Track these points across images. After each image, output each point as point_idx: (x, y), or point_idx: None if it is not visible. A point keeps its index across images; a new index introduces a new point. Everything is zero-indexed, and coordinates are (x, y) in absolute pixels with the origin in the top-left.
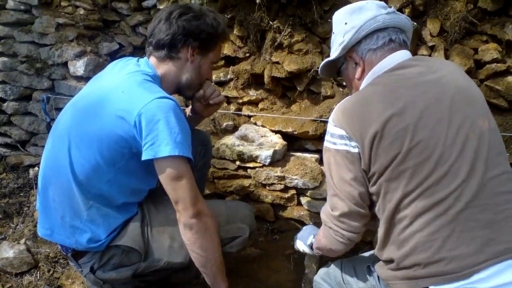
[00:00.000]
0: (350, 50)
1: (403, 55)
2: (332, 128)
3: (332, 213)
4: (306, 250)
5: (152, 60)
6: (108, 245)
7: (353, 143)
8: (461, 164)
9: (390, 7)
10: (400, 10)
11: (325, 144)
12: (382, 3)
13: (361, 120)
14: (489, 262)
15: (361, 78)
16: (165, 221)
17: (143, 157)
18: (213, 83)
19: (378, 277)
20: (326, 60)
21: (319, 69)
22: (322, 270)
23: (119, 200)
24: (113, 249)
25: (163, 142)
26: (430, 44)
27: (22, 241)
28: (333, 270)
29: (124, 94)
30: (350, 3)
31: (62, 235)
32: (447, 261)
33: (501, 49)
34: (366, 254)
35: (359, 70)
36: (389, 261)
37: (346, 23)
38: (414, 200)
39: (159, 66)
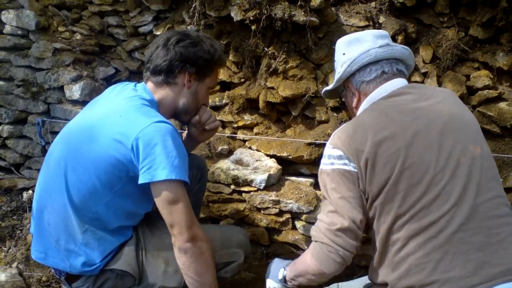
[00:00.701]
0: (346, 81)
1: (398, 83)
2: (329, 151)
3: (330, 227)
4: (279, 286)
5: (149, 85)
6: (102, 269)
7: (352, 164)
8: (453, 187)
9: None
10: (393, 37)
11: (321, 167)
12: (380, 32)
13: (356, 144)
14: (483, 285)
15: (357, 106)
16: (160, 246)
17: (140, 181)
18: (208, 108)
19: None
20: (325, 89)
21: (322, 93)
22: None
23: (115, 223)
24: (107, 273)
25: (160, 166)
26: (423, 70)
27: (14, 264)
28: None
29: (122, 118)
30: (344, 31)
31: (56, 258)
32: (440, 283)
33: (492, 76)
34: (362, 278)
35: (355, 99)
36: (383, 285)
37: (344, 54)
38: (407, 223)
39: (156, 91)
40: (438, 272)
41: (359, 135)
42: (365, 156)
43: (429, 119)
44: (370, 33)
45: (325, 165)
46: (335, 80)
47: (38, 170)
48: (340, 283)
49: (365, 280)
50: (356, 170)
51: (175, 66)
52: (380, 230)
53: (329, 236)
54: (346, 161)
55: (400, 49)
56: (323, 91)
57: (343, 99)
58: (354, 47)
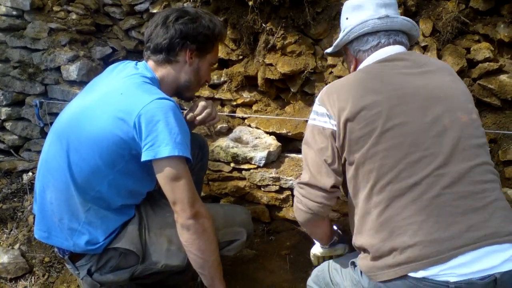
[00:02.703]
0: (345, 47)
1: (394, 49)
2: (316, 107)
3: (298, 181)
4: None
5: (150, 63)
6: (106, 247)
7: (333, 121)
8: (437, 151)
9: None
10: None
11: (308, 122)
12: (385, 1)
13: (340, 102)
14: (467, 247)
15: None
16: (162, 224)
17: (143, 158)
18: (207, 94)
19: (361, 271)
20: (326, 51)
21: (325, 53)
22: (313, 273)
23: (118, 202)
24: (110, 252)
25: (163, 143)
26: (422, 44)
27: (17, 246)
28: (321, 272)
29: (123, 96)
30: (342, 5)
31: (60, 237)
32: (424, 245)
33: (493, 48)
34: (352, 253)
35: (352, 65)
36: (367, 249)
37: (347, 18)
38: (389, 184)
39: (158, 69)
40: (421, 234)
41: (344, 94)
42: (346, 116)
43: (417, 85)
44: (374, 1)
45: (310, 120)
46: (334, 45)
47: (38, 152)
48: (330, 261)
49: (354, 255)
50: (335, 128)
51: (176, 43)
52: (361, 192)
53: (296, 187)
54: (327, 119)
55: (401, 21)
56: (325, 51)
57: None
58: (356, 14)
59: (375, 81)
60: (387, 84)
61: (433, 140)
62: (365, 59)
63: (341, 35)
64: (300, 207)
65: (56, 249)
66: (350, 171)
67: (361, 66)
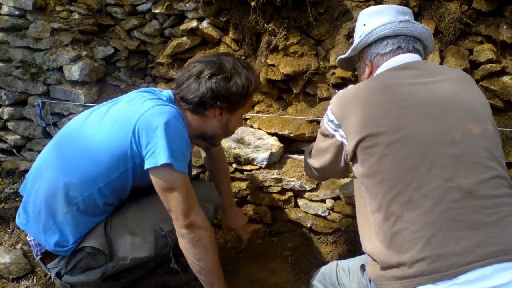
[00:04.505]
0: (361, 52)
1: (409, 57)
2: (328, 110)
3: (309, 159)
4: None
5: (176, 101)
6: (74, 250)
7: (341, 132)
8: (447, 163)
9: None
10: None
11: (325, 114)
12: (404, 8)
13: (349, 113)
14: (476, 263)
15: (369, 78)
16: (122, 218)
17: (146, 166)
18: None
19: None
20: (339, 57)
21: (337, 61)
22: (318, 272)
23: (99, 208)
24: (78, 254)
25: (161, 150)
26: None
27: (19, 246)
28: (328, 271)
29: (129, 102)
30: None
31: (35, 229)
32: (432, 259)
33: (496, 50)
34: (361, 256)
35: (367, 71)
36: (376, 259)
37: (364, 24)
38: (398, 196)
39: (183, 111)
40: (430, 248)
41: (353, 105)
42: (354, 128)
43: (429, 96)
44: (394, 7)
45: (325, 117)
46: (350, 49)
47: (40, 152)
48: (339, 261)
49: (364, 258)
50: (340, 139)
51: (206, 102)
52: (371, 202)
53: (307, 161)
54: (336, 128)
55: (420, 28)
56: (337, 59)
57: (355, 72)
58: (374, 19)
59: (383, 92)
60: (393, 95)
61: (443, 152)
62: (381, 65)
63: (357, 40)
64: (309, 174)
65: (32, 247)
66: (360, 181)
67: (375, 73)
